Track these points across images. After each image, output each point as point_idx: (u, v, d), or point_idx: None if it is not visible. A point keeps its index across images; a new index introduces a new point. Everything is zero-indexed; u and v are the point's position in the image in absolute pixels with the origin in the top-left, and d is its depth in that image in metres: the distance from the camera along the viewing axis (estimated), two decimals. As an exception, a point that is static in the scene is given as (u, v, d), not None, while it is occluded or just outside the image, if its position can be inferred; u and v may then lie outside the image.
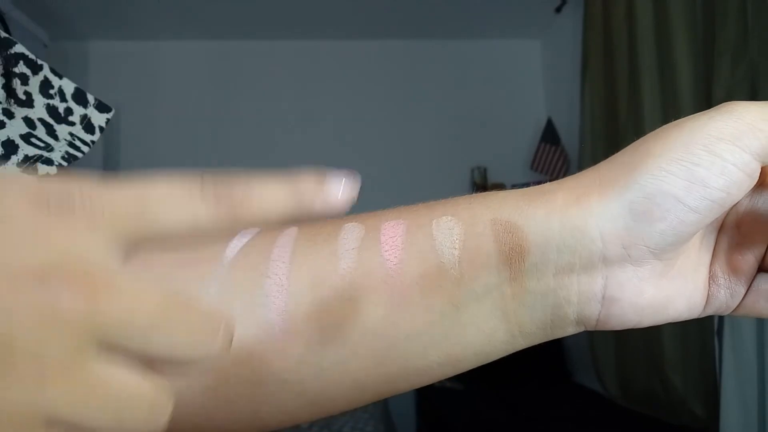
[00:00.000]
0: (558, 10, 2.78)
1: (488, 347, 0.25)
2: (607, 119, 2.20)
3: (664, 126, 0.23)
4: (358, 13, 2.85)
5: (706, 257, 0.25)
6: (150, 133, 3.04)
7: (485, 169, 3.01)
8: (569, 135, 2.70)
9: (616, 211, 0.22)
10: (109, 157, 2.91)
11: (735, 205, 0.24)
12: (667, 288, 0.24)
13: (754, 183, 0.22)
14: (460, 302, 0.24)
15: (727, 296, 0.25)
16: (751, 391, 1.46)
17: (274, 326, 0.26)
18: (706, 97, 1.67)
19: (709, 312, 0.26)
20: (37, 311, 0.14)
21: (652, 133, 0.23)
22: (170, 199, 0.17)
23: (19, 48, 0.35)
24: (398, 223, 0.25)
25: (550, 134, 2.83)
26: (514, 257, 0.23)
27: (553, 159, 2.80)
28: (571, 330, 0.25)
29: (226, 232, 0.18)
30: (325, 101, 3.09)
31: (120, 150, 3.01)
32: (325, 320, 0.25)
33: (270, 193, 0.18)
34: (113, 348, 0.15)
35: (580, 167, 2.42)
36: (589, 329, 0.25)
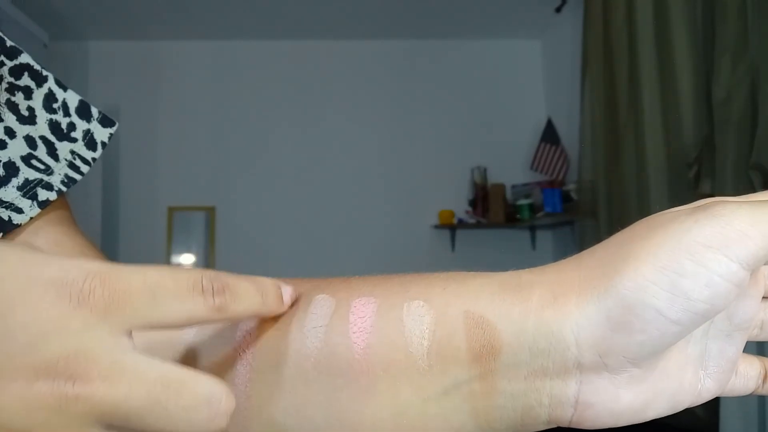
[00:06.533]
0: (558, 10, 2.79)
1: None
2: (607, 119, 2.20)
3: (650, 220, 0.23)
4: (358, 13, 2.85)
5: (694, 352, 0.24)
6: (149, 133, 3.05)
7: (485, 169, 3.01)
8: (569, 135, 2.70)
9: (593, 318, 0.21)
10: (108, 156, 2.92)
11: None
12: (647, 392, 0.23)
13: (741, 291, 0.21)
14: (428, 395, 0.24)
15: (714, 385, 0.24)
16: (751, 391, 1.46)
17: (239, 404, 0.25)
18: (706, 97, 1.67)
19: (696, 403, 0.25)
20: (49, 405, 0.18)
21: (637, 227, 0.23)
22: (176, 293, 0.20)
23: (24, 58, 0.34)
24: (369, 301, 0.25)
25: (550, 134, 2.83)
26: (485, 355, 0.23)
27: (553, 159, 2.80)
28: (542, 428, 0.24)
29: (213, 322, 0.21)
30: (324, 101, 3.09)
31: (119, 149, 3.02)
32: (289, 401, 0.25)
33: (247, 296, 0.23)
34: (115, 427, 0.19)
35: (580, 167, 2.42)
36: (562, 426, 0.24)
